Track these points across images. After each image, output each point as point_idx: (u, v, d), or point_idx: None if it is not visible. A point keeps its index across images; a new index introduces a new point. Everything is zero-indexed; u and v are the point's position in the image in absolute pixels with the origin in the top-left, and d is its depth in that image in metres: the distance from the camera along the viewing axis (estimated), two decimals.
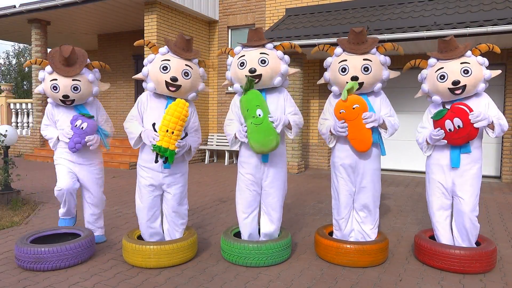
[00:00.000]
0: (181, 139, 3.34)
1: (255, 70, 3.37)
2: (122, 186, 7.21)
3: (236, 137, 3.51)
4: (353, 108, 3.28)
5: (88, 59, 3.80)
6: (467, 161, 3.39)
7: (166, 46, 3.46)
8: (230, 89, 10.66)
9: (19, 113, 12.34)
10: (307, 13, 9.21)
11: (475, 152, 3.40)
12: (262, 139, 3.25)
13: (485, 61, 3.38)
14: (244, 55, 3.48)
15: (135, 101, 12.59)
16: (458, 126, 3.21)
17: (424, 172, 8.90)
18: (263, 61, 3.40)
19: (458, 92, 3.33)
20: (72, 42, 13.29)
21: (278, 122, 3.33)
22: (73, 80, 3.65)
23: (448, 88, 3.34)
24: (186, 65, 3.42)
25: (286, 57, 3.54)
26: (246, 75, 3.40)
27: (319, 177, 8.47)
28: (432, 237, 3.72)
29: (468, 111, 3.19)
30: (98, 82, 3.91)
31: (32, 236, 3.62)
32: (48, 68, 3.69)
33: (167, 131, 3.20)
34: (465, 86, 3.30)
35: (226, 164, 10.42)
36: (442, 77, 3.35)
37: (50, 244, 3.40)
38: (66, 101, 3.73)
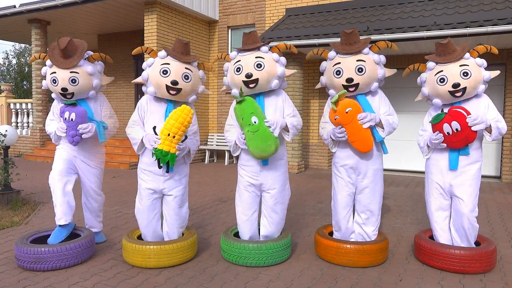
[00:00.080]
0: (181, 142, 3.34)
1: (251, 75, 3.37)
2: (122, 186, 7.21)
3: (237, 144, 3.52)
4: (346, 112, 3.29)
5: (89, 51, 3.74)
6: (466, 162, 3.39)
7: (164, 50, 3.47)
8: None
9: (19, 113, 12.34)
10: (307, 13, 9.21)
11: (474, 153, 3.40)
12: (260, 145, 3.26)
13: (484, 63, 3.38)
14: (239, 60, 3.48)
15: (135, 101, 12.65)
16: (456, 130, 3.22)
17: (424, 172, 8.92)
18: (259, 65, 3.40)
19: (458, 94, 3.33)
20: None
21: (275, 126, 3.32)
22: (70, 72, 3.58)
23: (449, 91, 3.34)
24: (186, 68, 3.43)
25: (282, 59, 3.54)
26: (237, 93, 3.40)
27: (319, 177, 8.47)
28: (432, 237, 3.72)
29: (465, 114, 3.20)
30: (100, 75, 3.82)
31: (32, 236, 3.62)
32: (49, 62, 3.66)
33: (168, 134, 3.20)
34: (465, 88, 3.31)
35: (226, 164, 10.42)
36: (442, 80, 3.36)
37: (50, 244, 3.41)
38: (66, 95, 3.65)
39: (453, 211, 3.49)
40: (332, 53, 3.57)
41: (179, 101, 3.54)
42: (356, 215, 3.67)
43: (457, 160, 3.38)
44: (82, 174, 3.85)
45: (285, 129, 3.49)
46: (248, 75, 3.37)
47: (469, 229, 3.40)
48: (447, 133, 3.27)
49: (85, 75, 3.64)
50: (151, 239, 3.60)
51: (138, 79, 3.55)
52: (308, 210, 5.53)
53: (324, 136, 3.68)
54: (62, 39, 3.60)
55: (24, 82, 28.03)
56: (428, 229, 3.83)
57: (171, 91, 3.39)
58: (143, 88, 3.54)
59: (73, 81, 3.59)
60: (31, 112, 11.91)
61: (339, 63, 3.44)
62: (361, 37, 7.18)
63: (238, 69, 3.45)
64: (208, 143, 11.09)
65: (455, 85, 3.29)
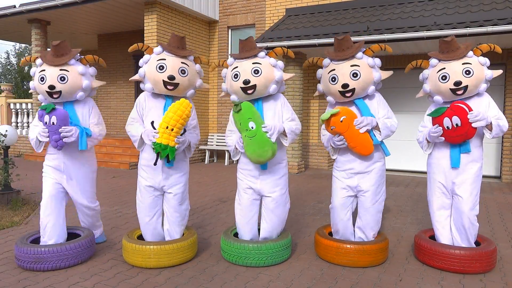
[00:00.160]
0: (180, 135, 3.33)
1: (249, 81, 3.37)
2: (122, 186, 7.21)
3: (237, 148, 3.53)
4: (341, 121, 3.30)
5: (80, 55, 3.65)
6: (467, 160, 3.39)
7: (160, 46, 3.46)
8: None
9: (19, 113, 12.34)
10: (307, 13, 9.21)
11: (475, 151, 3.40)
12: (257, 150, 3.26)
13: (487, 61, 3.38)
14: (237, 67, 3.48)
15: (135, 101, 12.61)
16: (456, 125, 3.21)
17: (424, 172, 8.94)
18: (256, 71, 3.39)
19: (459, 92, 3.33)
20: (72, 42, 13.29)
21: (272, 131, 3.31)
22: (60, 70, 3.45)
23: (450, 89, 3.34)
24: (182, 62, 3.43)
25: (280, 63, 3.53)
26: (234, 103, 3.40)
27: (319, 177, 8.47)
28: (432, 237, 3.72)
29: (467, 110, 3.19)
30: (92, 78, 3.69)
31: (32, 236, 3.62)
32: (39, 61, 3.56)
33: (166, 127, 3.20)
34: (466, 86, 3.31)
35: (226, 164, 10.41)
36: (444, 77, 3.36)
37: (50, 244, 3.41)
38: (52, 94, 3.46)
39: (454, 209, 3.49)
40: (326, 61, 3.59)
41: (177, 96, 3.53)
42: (358, 219, 3.65)
43: (458, 158, 3.38)
44: (72, 192, 3.66)
45: (283, 134, 3.48)
46: (246, 81, 3.37)
47: (469, 228, 3.40)
48: (447, 127, 3.26)
49: (75, 74, 3.51)
50: (151, 237, 3.60)
51: (135, 77, 3.55)
52: (308, 210, 5.53)
53: (325, 143, 3.69)
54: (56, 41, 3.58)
55: (24, 82, 28.03)
56: (428, 229, 3.83)
57: (168, 86, 3.39)
58: (141, 85, 3.54)
59: (62, 78, 3.45)
60: (31, 112, 11.91)
61: (334, 69, 3.45)
62: (359, 38, 7.26)
63: (236, 76, 3.45)
64: (208, 143, 11.09)
65: (457, 83, 3.29)
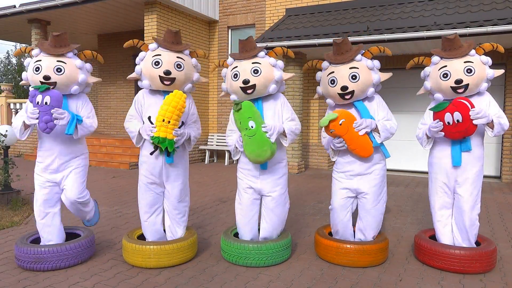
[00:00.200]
0: (179, 128, 3.33)
1: (248, 81, 3.37)
2: (122, 186, 7.21)
3: (237, 147, 3.53)
4: (340, 124, 3.31)
5: (76, 50, 3.58)
6: (469, 159, 3.39)
7: (155, 42, 3.47)
8: None
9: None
10: (307, 13, 9.21)
11: (476, 150, 3.40)
12: (256, 150, 3.27)
13: (489, 60, 3.37)
14: (236, 66, 3.49)
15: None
16: (457, 121, 3.20)
17: (424, 172, 8.94)
18: (255, 71, 3.40)
19: (460, 91, 3.33)
20: (72, 42, 13.27)
21: (272, 131, 3.32)
22: (57, 61, 3.37)
23: (451, 87, 3.34)
24: (177, 57, 3.43)
25: (280, 63, 3.54)
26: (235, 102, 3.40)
27: (319, 177, 8.47)
28: (432, 237, 3.72)
29: (469, 106, 3.19)
30: (88, 73, 3.58)
31: (32, 236, 3.62)
32: (35, 51, 3.46)
33: (163, 120, 3.20)
34: (467, 85, 3.30)
35: (226, 164, 10.41)
36: (445, 75, 3.35)
37: (50, 244, 3.41)
38: (46, 84, 3.31)
39: (455, 208, 3.49)
40: (325, 63, 3.60)
41: None
42: (358, 220, 3.65)
43: (459, 156, 3.38)
44: (64, 186, 3.52)
45: (283, 134, 3.48)
46: (245, 81, 3.37)
47: (470, 227, 3.40)
48: (448, 122, 3.25)
49: (72, 67, 3.42)
50: (150, 234, 3.61)
51: (133, 75, 3.56)
52: (308, 210, 5.53)
53: (325, 146, 3.69)
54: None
55: None
56: (428, 229, 3.83)
57: (165, 82, 3.39)
58: (139, 83, 3.55)
59: (59, 70, 3.35)
60: None
61: (333, 72, 3.46)
62: (359, 38, 7.26)
63: (236, 76, 3.45)
64: (208, 143, 11.09)
65: (458, 81, 3.29)
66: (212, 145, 10.92)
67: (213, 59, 10.95)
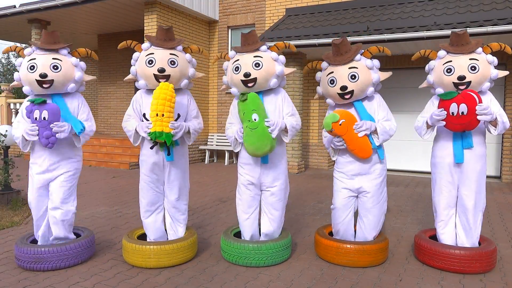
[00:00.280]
0: (175, 120, 3.33)
1: (249, 74, 3.37)
2: (122, 186, 7.21)
3: (237, 139, 3.53)
4: (340, 124, 3.31)
5: (69, 49, 3.55)
6: (471, 157, 3.39)
7: (148, 42, 3.47)
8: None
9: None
10: (307, 13, 9.21)
11: (478, 148, 3.40)
12: (256, 143, 3.27)
13: (495, 60, 3.37)
14: (238, 59, 3.49)
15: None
16: (462, 113, 3.19)
17: (423, 172, 8.94)
18: (257, 65, 3.40)
19: (462, 87, 3.33)
20: (72, 42, 13.29)
21: (274, 127, 3.32)
22: (53, 58, 3.34)
23: (453, 82, 3.34)
24: (170, 54, 3.43)
25: (281, 58, 3.54)
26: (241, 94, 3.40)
27: (319, 177, 8.47)
28: (432, 237, 3.72)
29: (477, 101, 3.18)
30: (83, 71, 3.54)
31: (32, 236, 3.62)
32: (28, 50, 3.40)
33: (157, 115, 3.20)
34: (469, 82, 3.30)
35: (226, 164, 10.41)
36: (449, 70, 3.35)
37: (50, 244, 3.40)
38: (43, 83, 3.28)
39: (459, 207, 3.50)
40: (324, 64, 3.61)
41: None
42: (359, 219, 3.65)
43: (461, 153, 3.37)
44: (52, 190, 3.47)
45: (284, 130, 3.49)
46: (247, 74, 3.37)
47: (474, 225, 3.41)
48: (452, 113, 3.23)
49: (68, 64, 3.40)
50: (152, 233, 3.62)
51: (129, 76, 3.57)
52: (308, 210, 5.53)
53: (326, 144, 3.70)
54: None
55: None
56: (428, 229, 3.83)
57: (160, 79, 3.39)
58: (136, 84, 3.55)
59: (55, 67, 3.30)
60: None
61: (332, 72, 3.47)
62: (359, 38, 7.26)
63: (237, 69, 3.45)
64: (208, 143, 11.09)
65: (461, 78, 3.29)
66: (212, 145, 10.92)
67: (213, 60, 10.94)
